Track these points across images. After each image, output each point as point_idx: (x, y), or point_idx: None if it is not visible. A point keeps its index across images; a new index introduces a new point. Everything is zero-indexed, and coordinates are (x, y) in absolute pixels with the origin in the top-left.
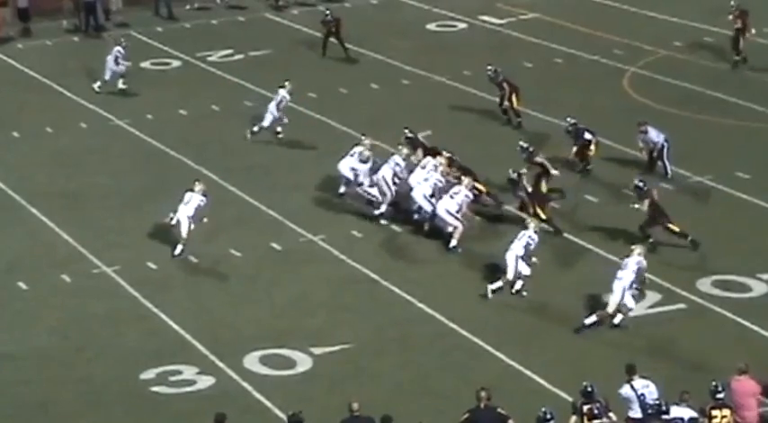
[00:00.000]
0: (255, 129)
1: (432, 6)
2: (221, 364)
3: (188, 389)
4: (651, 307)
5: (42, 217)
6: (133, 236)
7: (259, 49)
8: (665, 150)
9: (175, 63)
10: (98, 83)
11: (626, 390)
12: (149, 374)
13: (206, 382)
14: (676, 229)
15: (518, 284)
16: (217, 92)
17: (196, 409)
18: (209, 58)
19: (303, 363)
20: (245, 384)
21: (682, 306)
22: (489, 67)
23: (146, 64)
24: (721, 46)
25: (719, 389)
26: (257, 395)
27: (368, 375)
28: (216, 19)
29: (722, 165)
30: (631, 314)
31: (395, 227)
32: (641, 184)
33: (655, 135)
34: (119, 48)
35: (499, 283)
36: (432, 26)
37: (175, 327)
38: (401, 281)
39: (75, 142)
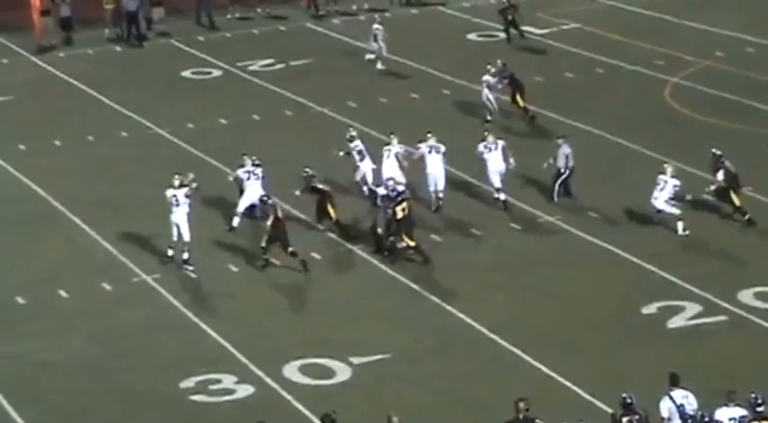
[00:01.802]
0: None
1: (472, 16)
2: (260, 373)
3: (227, 398)
4: (691, 319)
5: (83, 225)
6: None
7: (300, 59)
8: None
9: (216, 72)
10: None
11: (665, 401)
12: (189, 383)
13: (245, 390)
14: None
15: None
16: (257, 101)
17: (235, 418)
18: (250, 68)
19: (342, 372)
20: (284, 393)
21: (723, 318)
22: (499, 62)
23: (187, 73)
24: (763, 56)
25: (759, 401)
26: (296, 404)
27: (406, 384)
28: (257, 28)
29: (763, 175)
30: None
31: (434, 236)
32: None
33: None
34: (377, 25)
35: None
36: (472, 36)
37: (215, 335)
38: (440, 290)
39: (116, 151)
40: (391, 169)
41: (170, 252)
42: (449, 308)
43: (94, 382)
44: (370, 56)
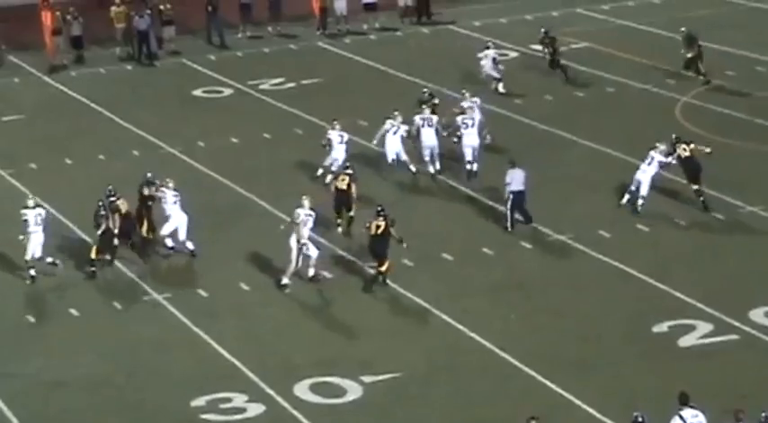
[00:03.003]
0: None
1: (483, 35)
2: (271, 392)
3: (238, 417)
4: (702, 337)
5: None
6: (183, 263)
7: (311, 78)
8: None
9: (227, 91)
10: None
11: (676, 420)
12: (200, 402)
13: (256, 409)
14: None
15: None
16: (268, 120)
17: None
18: (261, 87)
19: (353, 391)
20: (294, 412)
21: (734, 337)
22: (542, 30)
23: (198, 92)
24: None
25: None
26: None
27: (418, 404)
28: (268, 47)
29: None
30: None
31: (446, 255)
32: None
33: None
34: (490, 52)
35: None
36: (480, 55)
37: (226, 354)
38: (452, 309)
39: (128, 169)
40: (395, 145)
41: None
42: (461, 327)
43: (105, 401)
44: (498, 85)
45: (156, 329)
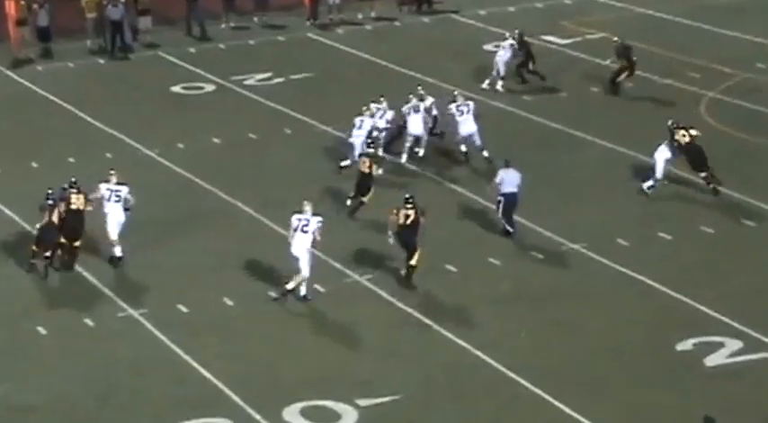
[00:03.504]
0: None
1: (488, 25)
2: (258, 417)
3: None
4: (731, 356)
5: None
6: (162, 276)
7: (300, 72)
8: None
9: (209, 87)
10: (487, 81)
11: None
12: None
13: None
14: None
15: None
16: (254, 118)
17: None
18: (246, 82)
19: (348, 416)
20: None
21: (766, 355)
22: (516, 31)
23: (177, 88)
24: None
25: None
26: None
27: None
28: (253, 39)
29: None
30: None
31: (449, 266)
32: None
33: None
34: (510, 41)
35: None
36: (489, 46)
37: (208, 375)
38: (455, 324)
39: (100, 174)
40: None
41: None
42: (464, 344)
43: None
44: (498, 82)
45: (132, 349)
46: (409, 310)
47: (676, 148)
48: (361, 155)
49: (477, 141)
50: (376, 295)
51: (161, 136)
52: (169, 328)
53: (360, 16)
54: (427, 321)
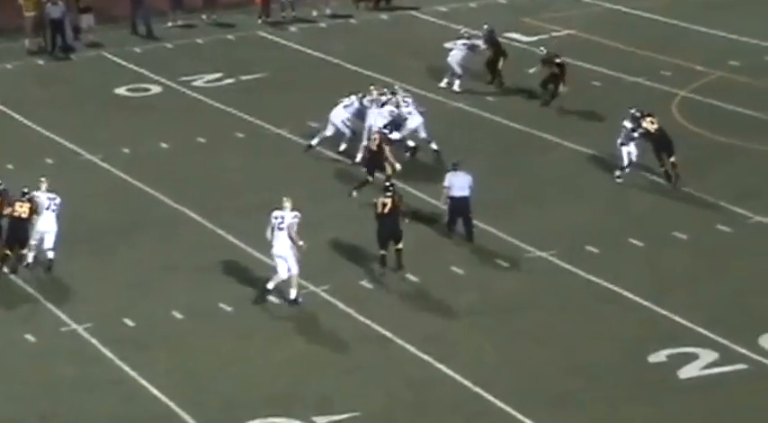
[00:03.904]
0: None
1: (449, 22)
2: None
3: None
4: (706, 368)
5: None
6: (107, 288)
7: (252, 73)
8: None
9: (155, 88)
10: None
11: None
12: None
13: None
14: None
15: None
16: (203, 121)
17: None
18: (195, 83)
19: None
20: None
21: (742, 367)
22: (485, 27)
23: (121, 90)
24: None
25: None
26: None
27: None
28: (202, 38)
29: None
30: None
31: (410, 276)
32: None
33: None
34: (464, 41)
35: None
36: (450, 45)
37: (156, 393)
38: (418, 337)
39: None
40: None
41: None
42: (427, 358)
43: None
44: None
45: (76, 365)
46: (369, 322)
47: (643, 135)
48: (376, 132)
49: (423, 134)
50: (334, 307)
51: (104, 140)
52: (115, 343)
53: (314, 13)
54: (387, 334)
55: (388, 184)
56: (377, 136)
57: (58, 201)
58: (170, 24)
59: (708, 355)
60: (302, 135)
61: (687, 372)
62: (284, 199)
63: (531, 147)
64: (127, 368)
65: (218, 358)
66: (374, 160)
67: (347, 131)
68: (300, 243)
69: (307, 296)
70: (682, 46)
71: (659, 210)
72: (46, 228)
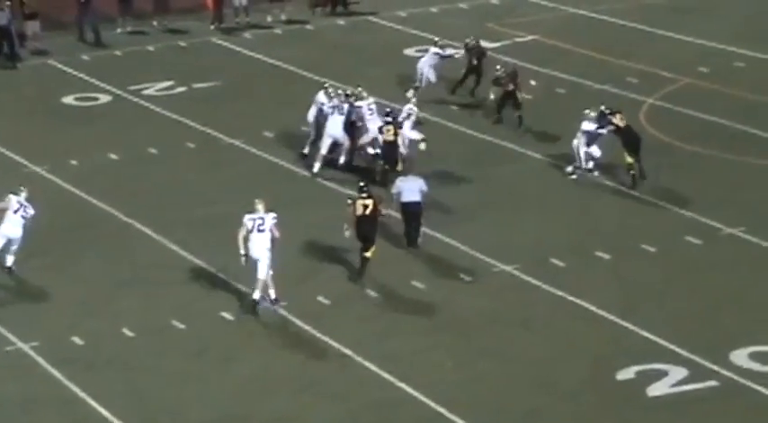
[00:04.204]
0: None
1: (410, 28)
2: None
3: None
4: (676, 385)
5: None
6: (54, 305)
7: (204, 81)
8: None
9: (104, 98)
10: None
11: None
12: None
13: None
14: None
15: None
16: (154, 131)
17: None
18: (145, 92)
19: None
20: None
21: (713, 384)
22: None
23: (69, 99)
24: (755, 72)
25: None
26: None
27: None
28: (153, 45)
29: (758, 214)
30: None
31: (369, 291)
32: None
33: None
34: (435, 50)
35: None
36: (410, 51)
37: (106, 414)
38: (377, 355)
39: None
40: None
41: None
42: (387, 376)
43: None
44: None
45: (23, 386)
46: (327, 339)
47: (612, 131)
48: (386, 123)
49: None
50: (290, 324)
51: (51, 151)
52: (63, 362)
53: (269, 19)
54: (346, 352)
55: (362, 184)
56: (391, 128)
57: (30, 210)
58: (119, 31)
59: (677, 372)
60: (257, 145)
61: (656, 389)
62: (256, 201)
63: (494, 157)
64: (75, 389)
65: (171, 377)
66: (390, 151)
67: (313, 132)
68: (277, 235)
69: (263, 313)
70: (649, 52)
71: (627, 221)
72: (10, 232)
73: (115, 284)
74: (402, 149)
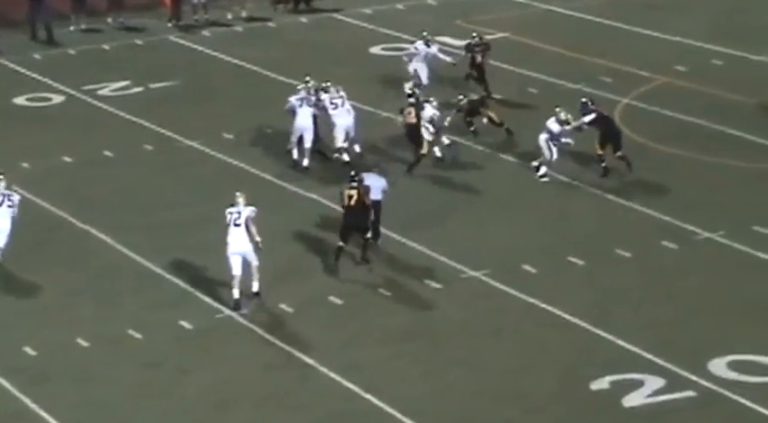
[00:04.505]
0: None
1: (376, 26)
2: None
3: None
4: (652, 395)
5: None
6: (6, 315)
7: (162, 80)
8: None
9: (58, 98)
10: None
11: None
12: None
13: None
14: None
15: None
16: (110, 133)
17: None
18: (100, 92)
19: None
20: None
21: (690, 394)
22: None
23: (20, 100)
24: (733, 70)
25: None
26: None
27: None
28: (108, 43)
29: (736, 217)
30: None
31: (333, 298)
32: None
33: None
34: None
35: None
36: (376, 49)
37: None
38: (342, 365)
39: None
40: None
41: None
42: (351, 386)
43: None
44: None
45: None
46: (289, 349)
47: (594, 120)
48: (409, 104)
49: (352, 133)
50: (251, 333)
51: (2, 154)
52: (14, 374)
53: (229, 16)
54: (309, 361)
55: (353, 173)
56: (412, 110)
57: (15, 198)
58: (72, 28)
59: (654, 382)
60: (217, 147)
61: (632, 400)
62: (237, 194)
63: (462, 158)
64: (27, 401)
65: (127, 389)
66: (413, 133)
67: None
68: (258, 239)
69: (221, 321)
70: (624, 49)
71: (601, 225)
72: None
73: (70, 293)
74: (426, 135)
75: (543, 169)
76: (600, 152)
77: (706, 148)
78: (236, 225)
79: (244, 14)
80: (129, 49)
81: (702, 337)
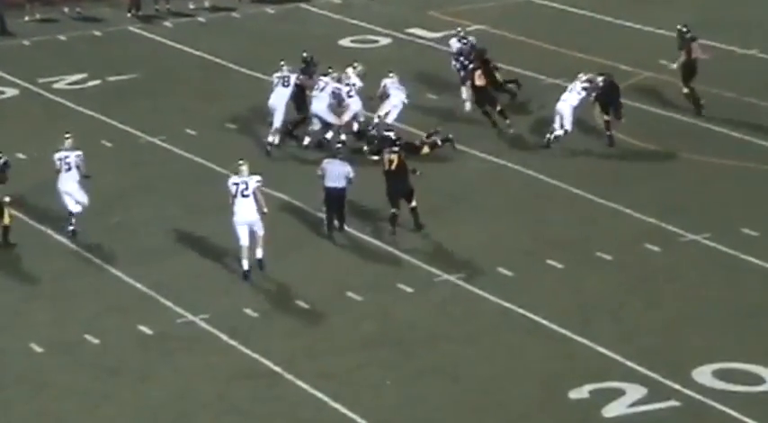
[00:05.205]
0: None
1: (346, 17)
2: None
3: None
4: (634, 405)
5: None
6: None
7: (121, 73)
8: None
9: (11, 91)
10: None
11: None
12: None
13: None
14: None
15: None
16: (66, 129)
17: None
18: (56, 85)
19: None
20: None
21: (674, 403)
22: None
23: None
24: (722, 64)
25: None
26: None
27: None
28: (64, 34)
29: (724, 219)
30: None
31: (300, 302)
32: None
33: None
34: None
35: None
36: (346, 41)
37: None
38: (309, 373)
39: None
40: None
41: None
42: (320, 395)
43: None
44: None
45: None
46: (255, 355)
47: (596, 87)
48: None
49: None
50: (215, 338)
51: None
52: None
53: (191, 6)
54: (276, 369)
55: (395, 138)
56: (479, 72)
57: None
58: (27, 18)
59: (635, 391)
60: (179, 144)
61: (612, 409)
62: (240, 162)
63: (435, 157)
64: None
65: (83, 397)
66: (484, 95)
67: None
68: (266, 210)
69: (183, 326)
70: (605, 43)
71: (581, 227)
72: None
73: (23, 296)
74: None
75: (559, 132)
76: (606, 118)
77: (691, 146)
78: (245, 196)
79: (207, 4)
80: (86, 40)
81: (687, 345)
